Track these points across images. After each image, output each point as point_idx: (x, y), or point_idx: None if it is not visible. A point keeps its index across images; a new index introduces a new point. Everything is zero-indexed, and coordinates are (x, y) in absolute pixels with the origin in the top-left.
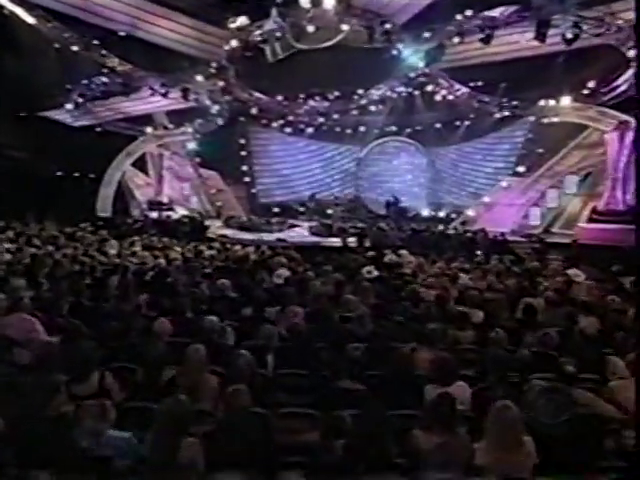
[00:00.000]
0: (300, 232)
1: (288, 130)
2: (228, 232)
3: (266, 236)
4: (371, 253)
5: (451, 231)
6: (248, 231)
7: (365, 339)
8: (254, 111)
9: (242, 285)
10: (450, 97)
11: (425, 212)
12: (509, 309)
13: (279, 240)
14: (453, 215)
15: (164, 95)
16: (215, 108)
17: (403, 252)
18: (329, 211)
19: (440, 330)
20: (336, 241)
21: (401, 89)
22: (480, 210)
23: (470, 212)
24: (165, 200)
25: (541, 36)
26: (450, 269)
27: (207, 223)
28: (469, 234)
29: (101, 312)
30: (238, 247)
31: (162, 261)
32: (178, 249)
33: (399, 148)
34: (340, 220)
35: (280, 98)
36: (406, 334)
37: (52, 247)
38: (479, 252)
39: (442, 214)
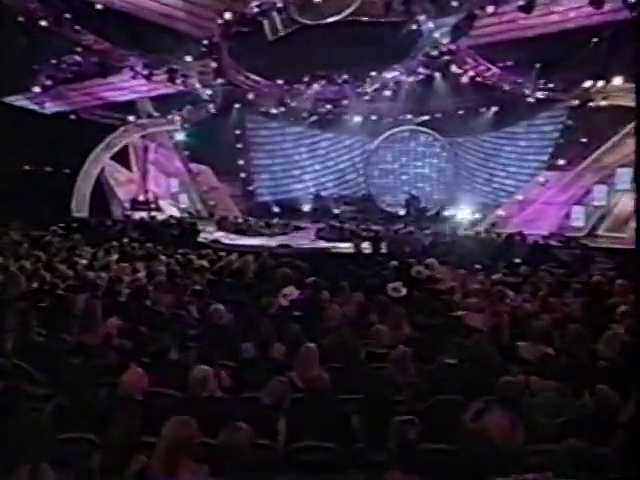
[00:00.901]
0: (305, 236)
1: (290, 119)
2: (222, 236)
3: (267, 241)
4: (393, 263)
5: (481, 234)
6: (245, 235)
7: (413, 395)
8: (251, 97)
9: (240, 309)
10: (478, 79)
11: (447, 212)
12: (588, 342)
13: (282, 246)
14: (479, 215)
15: (147, 78)
16: (206, 93)
17: (431, 261)
18: (337, 211)
19: (518, 383)
20: (347, 247)
21: (420, 70)
22: (512, 210)
23: (501, 212)
24: (150, 198)
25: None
26: (493, 284)
27: (198, 226)
28: (503, 238)
29: (58, 348)
30: (234, 255)
31: (142, 274)
32: (163, 258)
33: (416, 139)
34: (350, 222)
35: (281, 82)
36: (466, 386)
37: (11, 257)
38: (518, 260)
39: (467, 214)
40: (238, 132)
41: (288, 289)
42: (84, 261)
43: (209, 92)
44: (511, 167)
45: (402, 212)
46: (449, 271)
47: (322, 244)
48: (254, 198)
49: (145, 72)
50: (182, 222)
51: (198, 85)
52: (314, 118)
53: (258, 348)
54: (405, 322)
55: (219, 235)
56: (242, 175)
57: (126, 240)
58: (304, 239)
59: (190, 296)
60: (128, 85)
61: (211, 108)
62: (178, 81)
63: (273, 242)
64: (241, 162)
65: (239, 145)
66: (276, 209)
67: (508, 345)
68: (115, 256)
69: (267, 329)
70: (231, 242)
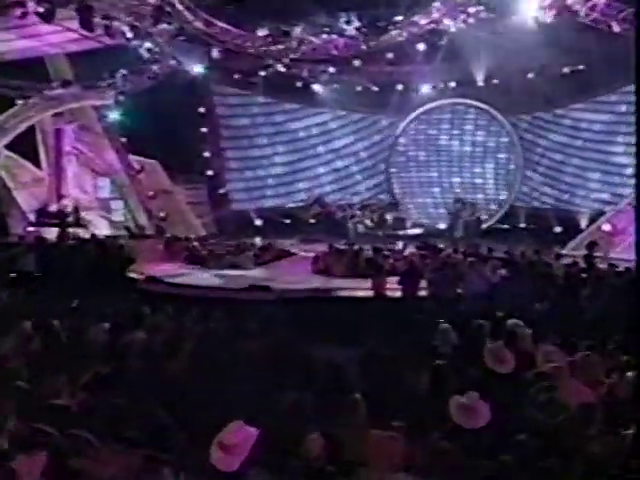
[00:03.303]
0: (296, 267)
1: (277, 91)
2: (166, 270)
3: (235, 278)
4: (443, 326)
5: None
6: (204, 266)
7: None
8: (216, 55)
9: None
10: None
11: (509, 223)
12: None
13: (256, 287)
14: (558, 229)
15: (45, 18)
16: (145, 48)
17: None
18: (348, 225)
19: None
20: (363, 286)
21: (470, 11)
22: (621, 222)
23: (606, 226)
24: (67, 208)
25: None
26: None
27: (135, 250)
28: (618, 273)
29: None
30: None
31: None
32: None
33: (462, 117)
34: (365, 240)
35: (262, 33)
36: None
37: None
38: None
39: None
40: (202, 110)
41: None
42: None
43: (149, 46)
44: (609, 155)
45: (444, 225)
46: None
47: (322, 282)
48: (226, 206)
49: (40, 9)
50: (104, 245)
51: (130, 34)
52: (313, 89)
53: None
54: None
55: (162, 268)
56: (209, 173)
57: (13, 275)
58: (294, 273)
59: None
60: (25, 33)
61: (157, 73)
62: (98, 27)
63: (246, 279)
64: (207, 154)
65: (203, 129)
66: (258, 222)
67: None
68: None
69: None
70: (180, 279)
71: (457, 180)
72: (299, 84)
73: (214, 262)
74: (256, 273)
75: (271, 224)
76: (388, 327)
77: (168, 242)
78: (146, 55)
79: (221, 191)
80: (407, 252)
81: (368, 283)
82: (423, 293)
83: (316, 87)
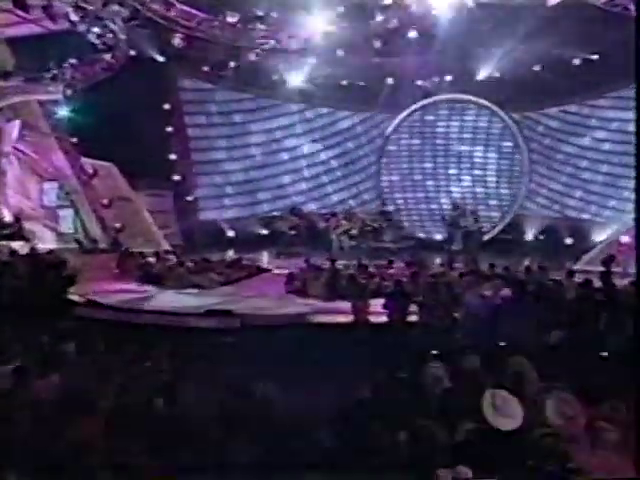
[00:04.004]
0: (268, 285)
1: (252, 85)
2: (116, 290)
3: (195, 299)
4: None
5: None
6: (160, 286)
7: None
8: (178, 43)
9: None
10: None
11: (515, 234)
12: None
13: (216, 312)
14: (569, 240)
15: None
16: (95, 34)
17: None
18: (331, 236)
19: None
20: (343, 308)
21: None
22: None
23: (625, 237)
24: (6, 217)
25: None
26: None
27: (79, 267)
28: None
29: None
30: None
31: None
32: None
33: (461, 115)
34: (350, 254)
35: (232, 19)
36: None
37: None
38: None
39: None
40: (167, 106)
41: None
42: None
43: (97, 31)
44: (627, 157)
45: (441, 236)
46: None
47: (296, 305)
48: (194, 216)
49: None
50: (42, 260)
51: (73, 16)
52: (292, 83)
53: None
54: None
55: (109, 289)
56: (174, 178)
57: None
58: (264, 295)
59: None
60: None
61: (111, 62)
62: (35, 9)
63: (207, 300)
64: (172, 156)
65: (169, 128)
66: (230, 233)
67: None
68: None
69: None
70: (123, 303)
71: (455, 186)
72: (276, 77)
73: (173, 281)
74: (219, 294)
75: (245, 236)
76: (367, 360)
77: (121, 257)
78: (96, 42)
79: (188, 198)
80: (395, 269)
81: (351, 307)
82: (413, 318)
83: (295, 81)
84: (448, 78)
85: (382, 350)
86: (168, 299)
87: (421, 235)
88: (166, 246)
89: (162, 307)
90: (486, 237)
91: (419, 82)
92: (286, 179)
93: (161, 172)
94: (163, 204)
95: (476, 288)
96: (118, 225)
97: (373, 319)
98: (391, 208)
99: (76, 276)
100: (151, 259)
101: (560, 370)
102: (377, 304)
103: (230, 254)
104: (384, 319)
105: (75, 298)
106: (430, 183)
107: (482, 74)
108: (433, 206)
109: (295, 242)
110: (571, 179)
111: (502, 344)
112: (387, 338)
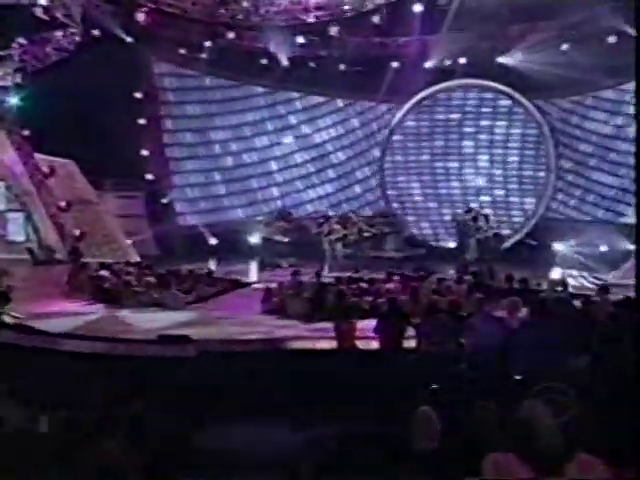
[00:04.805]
0: (243, 303)
1: (236, 71)
2: (57, 309)
3: (149, 323)
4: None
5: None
6: (112, 305)
7: None
8: (143, 18)
9: None
10: None
11: (540, 240)
12: None
13: (170, 339)
14: (604, 247)
15: None
16: (41, 6)
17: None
18: (323, 244)
19: None
20: (328, 331)
21: None
22: None
23: None
24: None
25: None
26: None
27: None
28: None
29: None
30: None
31: None
32: None
33: (476, 103)
34: (344, 265)
35: None
36: None
37: None
38: None
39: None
40: (139, 95)
41: None
42: None
43: (43, 3)
44: None
45: (453, 243)
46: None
47: (269, 328)
48: (171, 220)
49: None
50: None
51: None
52: (280, 68)
53: None
54: None
55: (49, 309)
56: (147, 177)
57: None
58: (238, 315)
59: None
60: None
61: (66, 43)
62: None
63: (166, 321)
64: (145, 152)
65: (141, 120)
66: (213, 241)
67: None
68: None
69: None
70: (62, 327)
71: (471, 184)
72: (264, 61)
73: (130, 299)
74: (183, 315)
75: (229, 244)
76: (345, 399)
77: (73, 271)
78: (44, 17)
79: (164, 200)
80: (393, 283)
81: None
82: (411, 344)
83: (285, 64)
84: (462, 60)
85: (365, 386)
86: (115, 322)
87: (431, 242)
88: (135, 256)
89: (105, 332)
90: (506, 243)
91: (428, 64)
92: (277, 178)
93: (131, 170)
94: (134, 207)
95: (488, 307)
96: (78, 232)
97: (362, 345)
98: (396, 210)
99: (9, 293)
100: (104, 273)
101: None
102: (368, 326)
103: (212, 265)
104: (375, 346)
105: (7, 319)
106: (441, 182)
107: (502, 55)
108: (444, 208)
109: (282, 251)
110: (605, 176)
111: (518, 378)
112: (374, 370)
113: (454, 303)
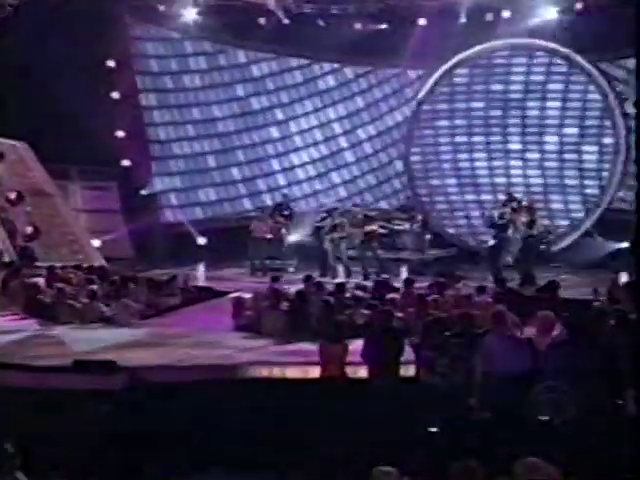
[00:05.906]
0: (213, 318)
1: (228, 33)
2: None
3: (87, 342)
4: None
5: None
6: (48, 320)
7: None
8: None
9: None
10: None
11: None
12: None
13: (89, 366)
14: None
15: None
16: None
17: None
18: (327, 244)
19: None
20: (311, 354)
21: None
22: None
23: None
24: None
25: None
26: None
27: None
28: None
29: None
30: None
31: None
32: None
33: (525, 69)
34: (352, 268)
35: None
36: None
37: None
38: None
39: None
40: (111, 63)
41: None
42: None
43: None
44: None
45: (491, 241)
46: None
47: (233, 350)
48: (151, 217)
49: None
50: None
51: None
52: (282, 29)
53: None
54: None
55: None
56: (123, 164)
57: None
58: (205, 332)
59: None
60: None
61: None
62: None
63: (102, 342)
64: (120, 134)
65: (114, 94)
66: (201, 240)
67: None
68: None
69: None
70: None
71: (515, 169)
72: (262, 21)
73: (67, 314)
74: (128, 334)
75: (219, 244)
76: (328, 441)
77: (7, 277)
78: None
79: (142, 192)
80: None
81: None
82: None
83: (288, 25)
84: (506, 14)
85: (344, 427)
86: (46, 342)
87: (463, 241)
88: (100, 260)
89: (26, 355)
90: (559, 245)
91: (463, 20)
92: (275, 165)
93: (103, 155)
94: (105, 200)
95: (514, 323)
96: (30, 229)
97: (351, 372)
98: (425, 201)
99: None
100: (38, 280)
101: None
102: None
103: (200, 268)
104: (362, 374)
105: None
106: (477, 167)
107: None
108: (471, 202)
109: (283, 252)
110: None
111: (544, 419)
112: (359, 404)
113: (465, 317)
